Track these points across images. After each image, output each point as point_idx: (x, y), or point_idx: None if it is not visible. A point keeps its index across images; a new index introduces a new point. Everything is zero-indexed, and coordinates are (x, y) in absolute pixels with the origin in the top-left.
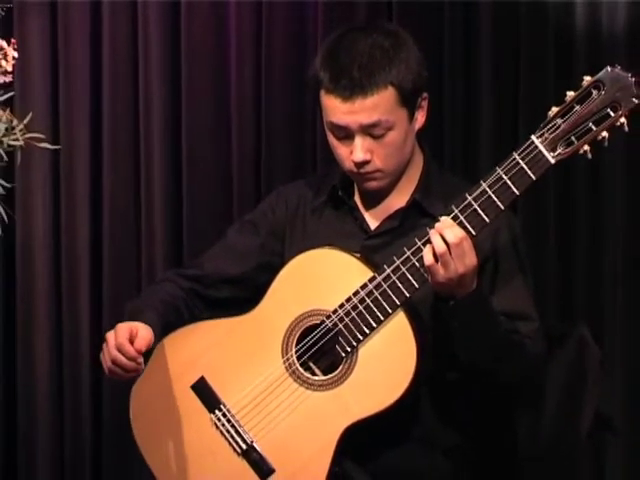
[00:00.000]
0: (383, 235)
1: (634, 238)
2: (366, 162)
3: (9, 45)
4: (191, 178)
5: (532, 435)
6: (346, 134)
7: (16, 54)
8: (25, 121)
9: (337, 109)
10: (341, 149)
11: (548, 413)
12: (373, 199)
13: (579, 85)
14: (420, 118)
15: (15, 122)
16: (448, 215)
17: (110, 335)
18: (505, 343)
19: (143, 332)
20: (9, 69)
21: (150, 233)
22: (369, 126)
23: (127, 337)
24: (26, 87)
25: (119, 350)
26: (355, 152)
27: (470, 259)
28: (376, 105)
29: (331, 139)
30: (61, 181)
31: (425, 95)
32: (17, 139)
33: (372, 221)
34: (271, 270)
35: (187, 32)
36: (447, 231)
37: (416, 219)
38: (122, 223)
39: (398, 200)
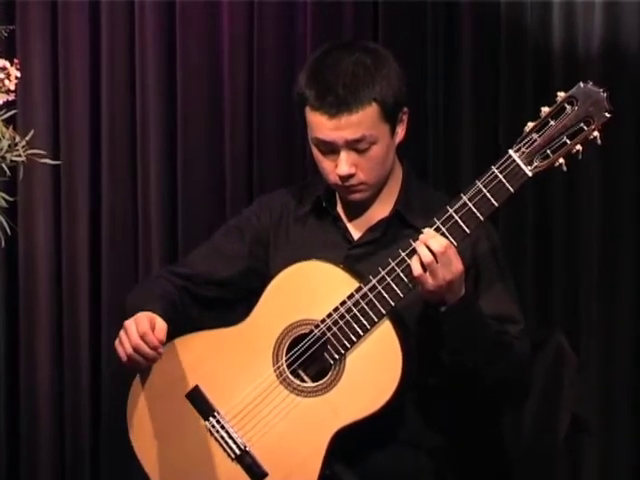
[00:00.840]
0: (366, 245)
1: (609, 249)
2: (351, 175)
3: (12, 65)
4: (186, 186)
5: (512, 436)
6: (331, 149)
7: (19, 74)
8: (27, 138)
9: (323, 125)
10: (326, 163)
11: (527, 416)
12: (356, 210)
13: (555, 101)
14: (400, 132)
15: (17, 139)
16: (431, 227)
17: (130, 324)
18: (497, 344)
19: (160, 323)
20: (12, 88)
21: (147, 241)
22: (354, 141)
23: (149, 327)
24: (28, 105)
25: (142, 339)
26: (340, 166)
27: (456, 266)
28: (361, 121)
29: (316, 154)
30: (62, 194)
31: (405, 110)
32: (19, 155)
33: (355, 231)
34: (256, 275)
35: (182, 33)
36: (432, 241)
37: (398, 230)
38: (120, 232)
39: (380, 211)
